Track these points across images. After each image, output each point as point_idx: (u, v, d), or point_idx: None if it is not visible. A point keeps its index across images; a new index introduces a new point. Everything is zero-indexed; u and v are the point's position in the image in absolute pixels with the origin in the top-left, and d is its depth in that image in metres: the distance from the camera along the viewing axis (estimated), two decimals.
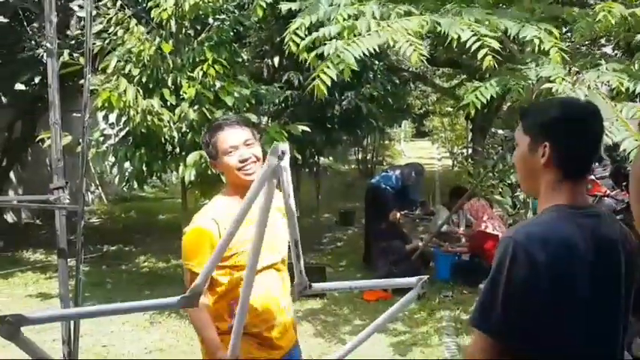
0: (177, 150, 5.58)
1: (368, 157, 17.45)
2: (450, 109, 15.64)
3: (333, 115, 7.97)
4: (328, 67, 4.01)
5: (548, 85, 3.95)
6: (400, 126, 21.73)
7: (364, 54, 4.02)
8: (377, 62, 8.36)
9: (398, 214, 7.40)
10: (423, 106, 19.37)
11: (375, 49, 4.07)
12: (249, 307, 2.29)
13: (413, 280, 1.32)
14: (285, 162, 1.38)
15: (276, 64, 7.31)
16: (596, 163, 10.22)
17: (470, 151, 13.70)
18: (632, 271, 1.73)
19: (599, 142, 1.77)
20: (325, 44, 4.16)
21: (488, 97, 4.03)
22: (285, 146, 1.38)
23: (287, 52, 4.72)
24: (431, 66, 12.71)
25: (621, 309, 1.72)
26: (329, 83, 4.05)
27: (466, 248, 7.39)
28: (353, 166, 17.36)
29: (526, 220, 1.80)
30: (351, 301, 6.57)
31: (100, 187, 12.69)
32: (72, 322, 3.32)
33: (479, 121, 10.34)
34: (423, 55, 3.93)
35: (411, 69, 11.63)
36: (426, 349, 5.23)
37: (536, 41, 3.94)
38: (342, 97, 7.83)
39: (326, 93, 4.15)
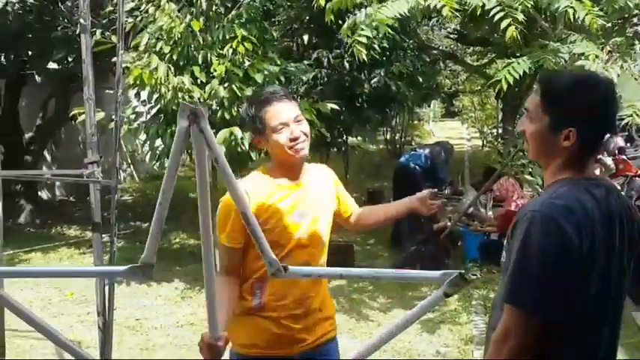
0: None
1: (396, 137, 17.34)
2: (479, 88, 15.43)
3: (362, 93, 7.94)
4: (363, 29, 4.02)
5: (580, 62, 3.88)
6: (429, 106, 21.51)
7: (392, 31, 4.02)
8: (407, 40, 8.29)
9: (426, 193, 7.36)
10: (453, 86, 19.14)
11: (404, 26, 4.06)
12: (275, 290, 2.26)
13: (437, 274, 1.11)
14: (203, 124, 1.09)
15: (305, 42, 7.29)
16: (628, 144, 10.03)
17: (500, 130, 13.54)
18: (635, 241, 1.75)
19: (616, 118, 1.80)
20: (355, 14, 4.17)
21: (521, 73, 3.97)
22: (197, 108, 1.10)
23: (316, 30, 4.72)
24: (461, 44, 12.56)
25: (626, 276, 1.74)
26: (365, 41, 4.05)
27: (495, 228, 7.34)
28: (381, 146, 17.28)
29: (543, 195, 1.76)
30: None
31: (131, 165, 12.89)
32: (107, 295, 3.40)
33: (509, 100, 10.19)
34: (455, 10, 3.90)
35: (440, 47, 11.50)
36: (455, 327, 5.25)
37: (570, 11, 3.85)
38: (372, 76, 7.78)
39: (365, 53, 4.16)
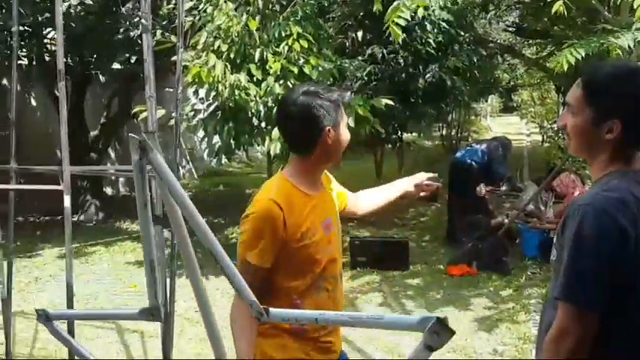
0: (264, 124, 5.72)
1: (452, 133, 17.14)
2: (539, 81, 15.07)
3: (417, 89, 7.89)
4: (402, 11, 4.00)
5: None
6: (487, 100, 21.17)
7: (447, 25, 3.97)
8: (463, 34, 8.19)
9: (483, 189, 7.27)
10: (512, 80, 18.75)
11: (460, 19, 4.02)
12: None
13: (414, 320, 1.00)
14: (151, 156, 1.01)
15: (359, 39, 7.31)
16: None
17: None
18: None
19: None
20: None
21: (583, 54, 3.86)
22: (143, 141, 1.00)
23: (370, 26, 4.72)
24: (519, 37, 12.29)
25: None
26: (403, 23, 4.03)
27: (555, 225, 7.17)
28: (437, 142, 17.12)
29: (593, 189, 1.71)
30: (432, 275, 6.56)
31: (190, 162, 13.20)
32: (168, 286, 3.51)
33: None
34: (514, 2, 3.83)
35: (498, 41, 11.29)
36: (513, 326, 5.16)
37: None
38: (427, 70, 7.73)
39: (401, 35, 4.13)
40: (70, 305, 3.09)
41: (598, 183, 1.70)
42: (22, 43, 7.96)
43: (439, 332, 0.95)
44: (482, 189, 7.24)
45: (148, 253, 1.12)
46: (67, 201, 3.02)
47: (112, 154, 11.13)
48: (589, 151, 1.74)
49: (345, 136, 2.15)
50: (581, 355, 1.58)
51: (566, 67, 3.98)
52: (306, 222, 2.08)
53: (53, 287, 6.30)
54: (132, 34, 7.56)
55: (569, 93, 1.75)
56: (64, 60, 3.43)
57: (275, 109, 5.47)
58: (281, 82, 5.41)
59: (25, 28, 7.92)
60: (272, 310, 1.14)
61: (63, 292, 5.86)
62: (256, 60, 5.55)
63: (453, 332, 0.95)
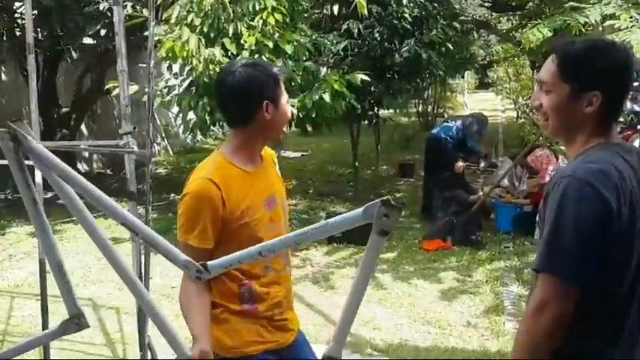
0: None
1: (429, 109, 17.16)
2: (511, 56, 15.13)
3: (393, 64, 7.87)
4: None
5: (611, 21, 3.81)
6: (463, 77, 21.21)
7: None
8: (438, 8, 8.18)
9: (461, 165, 7.31)
10: (487, 56, 18.79)
11: None
12: (264, 293, 2.13)
13: (359, 212, 0.95)
14: (30, 145, 0.92)
15: (335, 13, 7.25)
16: None
17: None
18: None
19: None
20: None
21: (545, 33, 3.90)
22: (16, 131, 0.91)
23: (346, 0, 4.69)
24: (495, 13, 12.31)
25: None
26: None
27: (528, 200, 7.27)
28: (413, 119, 17.14)
29: (575, 162, 1.67)
30: (407, 249, 6.62)
31: (165, 139, 13.07)
32: (142, 263, 3.50)
33: None
34: None
35: (474, 16, 11.29)
36: (486, 298, 5.25)
37: None
38: (403, 45, 7.70)
39: (365, 7, 4.11)
40: (43, 282, 3.07)
41: (579, 157, 1.67)
42: None
43: (388, 213, 0.93)
44: (460, 165, 7.28)
45: (52, 256, 1.04)
46: (37, 176, 2.98)
47: (85, 131, 10.96)
48: (568, 128, 1.71)
49: (284, 111, 2.12)
50: (559, 332, 1.55)
51: (533, 44, 4.01)
52: (245, 200, 2.05)
53: (27, 264, 6.23)
54: (101, 6, 7.40)
55: (542, 71, 1.72)
56: (34, 35, 3.35)
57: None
58: (256, 56, 5.36)
59: None
60: (210, 263, 1.10)
61: (37, 269, 5.83)
62: (230, 34, 5.49)
63: (401, 208, 0.97)
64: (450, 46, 8.13)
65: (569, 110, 1.67)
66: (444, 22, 8.29)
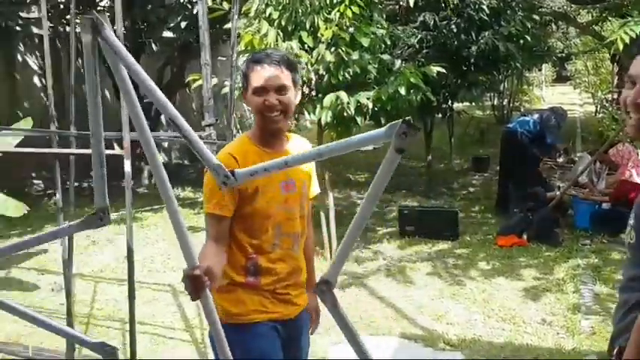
0: (314, 92, 5.72)
1: (504, 102, 16.80)
2: (592, 50, 14.58)
3: (469, 56, 7.73)
4: None
5: None
6: (540, 70, 20.58)
7: None
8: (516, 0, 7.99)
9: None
10: (565, 49, 18.16)
11: None
12: (269, 268, 2.26)
13: (381, 131, 1.00)
14: (105, 34, 0.96)
15: (411, 5, 7.18)
16: None
17: (615, 95, 12.79)
18: None
19: None
20: None
21: (638, 32, 3.74)
22: (96, 18, 0.96)
23: None
24: (575, 4, 11.87)
25: None
26: None
27: (607, 197, 7.02)
28: (488, 112, 16.81)
29: None
30: (481, 245, 6.53)
31: (240, 131, 13.33)
32: None
33: (626, 63, 9.58)
34: None
35: (552, 8, 10.93)
36: (562, 296, 5.12)
37: None
38: (479, 37, 7.56)
39: None
40: (131, 268, 3.22)
41: None
42: (76, 11, 8.14)
43: (407, 132, 0.96)
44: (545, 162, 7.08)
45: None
46: (127, 166, 3.12)
47: (164, 124, 11.33)
48: None
49: (256, 101, 2.21)
50: None
51: (621, 47, 3.84)
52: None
53: (110, 250, 6.54)
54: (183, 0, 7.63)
55: (634, 67, 1.63)
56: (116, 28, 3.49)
57: (326, 77, 5.48)
58: (332, 49, 5.39)
59: None
60: (237, 170, 1.12)
61: (120, 255, 6.12)
62: (307, 27, 5.53)
63: (418, 129, 0.99)
64: (527, 38, 7.90)
65: None
66: (522, 14, 8.08)
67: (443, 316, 4.78)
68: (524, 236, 6.59)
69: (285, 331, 2.35)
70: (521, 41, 7.93)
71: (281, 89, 2.20)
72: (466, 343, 4.33)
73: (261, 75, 2.19)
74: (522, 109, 16.01)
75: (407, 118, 1.00)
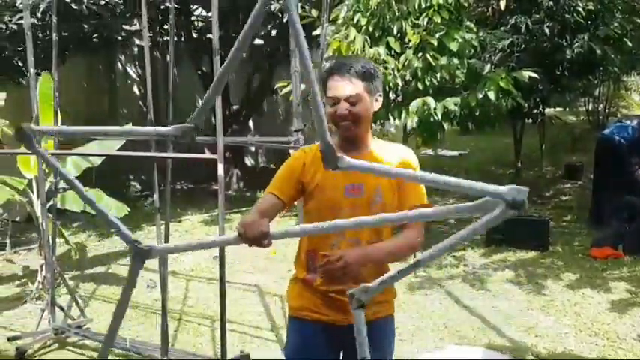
0: (400, 97, 5.73)
1: (599, 108, 16.08)
2: None
3: (563, 60, 7.47)
4: None
5: None
6: (639, 74, 19.55)
7: None
8: (615, 1, 7.64)
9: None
10: None
11: None
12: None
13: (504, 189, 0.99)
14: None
15: (502, 8, 7.03)
16: None
17: None
18: None
19: None
20: None
21: None
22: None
23: None
24: None
25: None
26: None
27: None
28: (582, 118, 16.15)
29: None
30: (572, 256, 6.29)
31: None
32: None
33: None
34: None
35: None
36: None
37: None
38: (574, 41, 7.29)
39: None
40: (222, 267, 3.34)
41: None
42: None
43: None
44: None
45: None
46: (220, 169, 3.24)
47: (252, 128, 11.65)
48: None
49: (330, 110, 2.25)
50: None
51: None
52: (326, 174, 2.22)
53: (201, 250, 6.78)
54: (273, 7, 7.81)
55: None
56: (209, 37, 3.63)
57: (413, 82, 5.47)
58: (420, 54, 5.37)
59: (175, 5, 8.46)
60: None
61: (209, 255, 6.34)
62: (395, 33, 5.54)
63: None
64: (627, 41, 7.55)
65: None
66: (621, 16, 7.72)
67: (532, 327, 4.64)
68: (620, 248, 6.29)
69: (347, 338, 2.09)
70: (620, 44, 7.59)
71: (352, 99, 2.23)
72: (556, 355, 4.19)
73: (332, 85, 2.25)
74: (619, 115, 15.26)
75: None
